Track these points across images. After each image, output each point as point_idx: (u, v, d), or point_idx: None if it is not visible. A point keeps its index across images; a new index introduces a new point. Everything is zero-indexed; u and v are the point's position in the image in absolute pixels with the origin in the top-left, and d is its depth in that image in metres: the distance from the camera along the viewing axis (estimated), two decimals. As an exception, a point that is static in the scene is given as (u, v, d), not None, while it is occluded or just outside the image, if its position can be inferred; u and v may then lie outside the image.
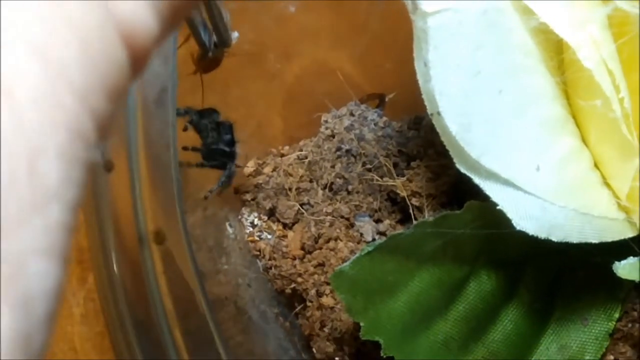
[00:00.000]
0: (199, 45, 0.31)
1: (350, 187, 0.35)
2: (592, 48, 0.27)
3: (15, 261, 0.11)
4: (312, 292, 0.34)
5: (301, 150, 0.37)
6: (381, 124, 0.36)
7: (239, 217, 0.36)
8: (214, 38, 0.31)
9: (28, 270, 0.11)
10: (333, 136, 0.36)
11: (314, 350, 0.34)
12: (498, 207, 0.27)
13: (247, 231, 0.36)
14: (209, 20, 0.30)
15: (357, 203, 0.35)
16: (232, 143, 0.33)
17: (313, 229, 0.35)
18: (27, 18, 0.12)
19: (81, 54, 0.12)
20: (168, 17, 0.14)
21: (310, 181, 0.36)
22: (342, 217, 0.35)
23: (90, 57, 0.13)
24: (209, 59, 0.32)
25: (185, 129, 0.32)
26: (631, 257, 0.27)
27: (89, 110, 0.12)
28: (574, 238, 0.28)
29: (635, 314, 0.32)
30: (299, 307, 0.35)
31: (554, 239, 0.27)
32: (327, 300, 0.34)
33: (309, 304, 0.34)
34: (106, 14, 0.13)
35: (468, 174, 0.28)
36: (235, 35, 0.32)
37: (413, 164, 0.35)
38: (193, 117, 0.32)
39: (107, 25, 0.13)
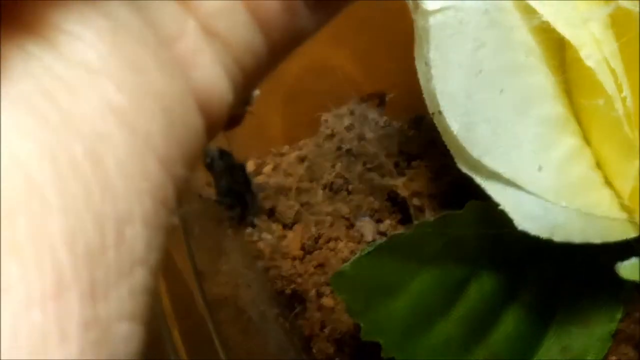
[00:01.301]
0: None
1: (350, 187, 0.35)
2: (594, 47, 0.27)
3: (103, 326, 0.11)
4: (312, 292, 0.34)
5: (301, 150, 0.37)
6: (382, 124, 0.36)
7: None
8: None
9: (115, 334, 0.12)
10: (333, 136, 0.36)
11: (314, 351, 0.34)
12: (499, 208, 0.27)
13: (247, 231, 0.36)
14: None
15: (357, 203, 0.35)
16: (247, 184, 0.32)
17: (313, 229, 0.35)
18: (107, 87, 0.12)
19: (164, 124, 0.13)
20: (242, 85, 0.15)
21: (310, 181, 0.36)
22: (342, 217, 0.35)
23: (172, 126, 0.13)
24: (230, 117, 0.31)
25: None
26: (633, 258, 0.27)
27: (171, 178, 0.13)
28: (576, 238, 0.28)
29: (638, 315, 0.32)
30: (298, 308, 0.34)
31: (556, 239, 0.27)
32: (327, 301, 0.34)
33: (309, 304, 0.34)
34: (186, 84, 0.13)
35: (469, 173, 0.28)
36: (256, 92, 0.31)
37: (414, 163, 0.35)
38: (214, 159, 0.31)
39: (187, 95, 0.13)
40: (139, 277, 0.12)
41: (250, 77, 0.15)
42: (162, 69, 0.13)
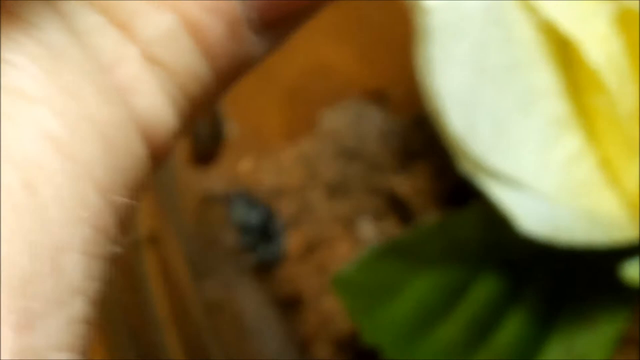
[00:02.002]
0: (192, 137, 0.29)
1: (350, 187, 0.35)
2: (598, 44, 0.27)
3: (38, 357, 0.11)
4: (311, 293, 0.34)
5: (300, 149, 0.37)
6: (382, 122, 0.36)
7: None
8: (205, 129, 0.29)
9: None
10: (333, 134, 0.36)
11: (313, 353, 0.34)
12: (502, 208, 0.27)
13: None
14: None
15: (357, 202, 0.35)
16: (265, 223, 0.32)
17: (313, 229, 0.35)
18: (43, 114, 0.12)
19: (103, 151, 0.13)
20: (188, 113, 0.14)
21: (310, 180, 0.36)
22: (342, 217, 0.35)
23: (111, 153, 0.13)
24: (204, 153, 0.30)
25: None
26: (636, 259, 0.27)
27: (111, 207, 0.13)
28: (580, 239, 0.28)
29: (643, 316, 0.32)
30: (297, 310, 0.34)
31: (559, 240, 0.27)
32: (326, 303, 0.34)
33: (308, 306, 0.34)
34: (127, 112, 0.13)
35: (471, 173, 0.28)
36: (227, 128, 0.30)
37: (415, 163, 0.35)
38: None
39: (128, 122, 0.13)
40: (78, 307, 0.12)
41: (197, 104, 0.14)
42: (100, 96, 0.13)
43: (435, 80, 0.27)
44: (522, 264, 0.31)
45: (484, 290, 0.31)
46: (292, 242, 0.35)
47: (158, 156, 0.14)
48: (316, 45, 0.38)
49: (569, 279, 0.32)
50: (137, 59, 0.13)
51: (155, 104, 0.14)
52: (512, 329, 0.31)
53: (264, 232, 0.32)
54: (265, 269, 0.33)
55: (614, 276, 0.27)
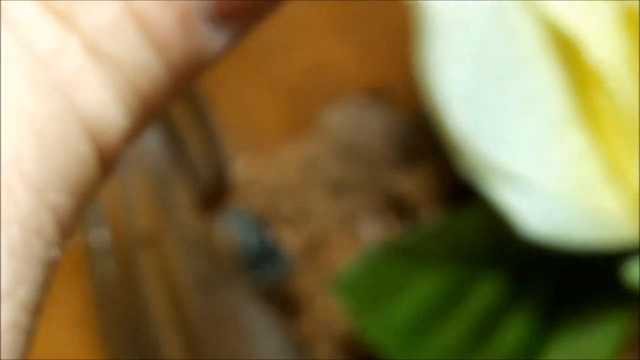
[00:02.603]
0: (193, 182, 0.28)
1: (350, 186, 0.35)
2: (601, 43, 0.27)
3: None
4: (312, 294, 0.34)
5: (300, 147, 0.37)
6: (382, 121, 0.36)
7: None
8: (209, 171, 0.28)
9: None
10: (332, 133, 0.36)
11: (313, 354, 0.34)
12: (503, 207, 0.27)
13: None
14: (201, 147, 0.27)
15: (357, 202, 0.35)
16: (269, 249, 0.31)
17: (312, 229, 0.35)
18: None
19: (37, 147, 0.12)
20: (140, 112, 0.14)
21: (310, 180, 0.36)
22: (342, 216, 0.35)
23: (47, 150, 0.12)
24: (207, 196, 0.29)
25: None
26: (637, 260, 0.27)
27: (48, 207, 0.12)
28: (582, 239, 0.28)
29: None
30: (298, 310, 0.34)
31: (562, 239, 0.27)
32: (326, 303, 0.33)
33: (308, 306, 0.34)
34: (65, 105, 0.13)
35: (472, 172, 0.28)
36: (232, 167, 0.28)
37: (415, 161, 0.35)
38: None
39: (67, 118, 0.13)
40: (5, 312, 0.12)
41: (150, 103, 0.14)
42: (35, 90, 0.12)
43: (436, 79, 0.27)
44: (524, 264, 0.31)
45: (485, 290, 0.31)
46: (292, 242, 0.35)
47: (109, 159, 0.13)
48: (316, 44, 0.38)
49: (571, 279, 0.32)
50: (78, 52, 0.13)
51: (101, 99, 0.13)
52: (513, 329, 0.31)
53: (265, 255, 0.32)
54: (270, 287, 0.33)
55: (616, 277, 0.27)
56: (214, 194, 0.29)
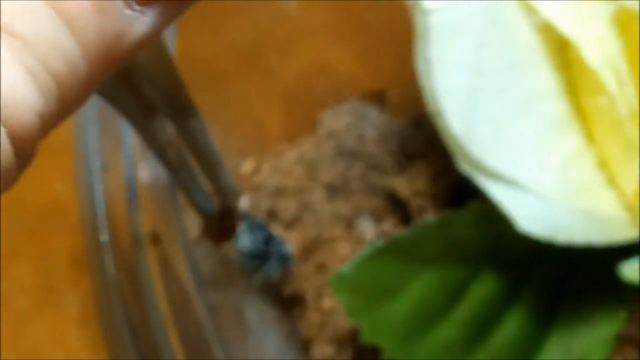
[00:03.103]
0: (200, 214, 0.27)
1: (350, 187, 0.35)
2: (597, 45, 0.27)
3: None
4: (312, 294, 0.34)
5: (300, 149, 0.37)
6: (382, 123, 0.36)
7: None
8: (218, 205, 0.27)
9: None
10: (333, 135, 0.36)
11: (313, 353, 0.34)
12: (501, 208, 0.27)
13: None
14: (209, 183, 0.27)
15: (357, 203, 0.35)
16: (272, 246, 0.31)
17: (313, 229, 0.35)
18: None
19: None
20: (60, 96, 0.13)
21: (310, 180, 0.36)
22: (342, 217, 0.35)
23: None
24: (217, 230, 0.29)
25: None
26: (635, 259, 0.27)
27: None
28: (579, 239, 0.28)
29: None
30: (298, 310, 0.34)
31: (558, 240, 0.27)
32: (327, 303, 0.33)
33: (308, 306, 0.34)
34: None
35: (470, 173, 0.28)
36: (244, 201, 0.27)
37: (414, 163, 0.35)
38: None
39: None
40: None
41: (69, 86, 0.13)
42: None
43: (434, 81, 0.27)
44: (521, 263, 0.31)
45: (483, 289, 0.31)
46: (292, 242, 0.35)
47: (21, 139, 0.13)
48: (316, 46, 0.38)
49: (567, 278, 0.32)
50: None
51: (11, 77, 0.12)
52: (511, 328, 0.31)
53: (266, 255, 0.32)
54: (271, 287, 0.33)
55: (613, 276, 0.27)
56: (225, 228, 0.29)
